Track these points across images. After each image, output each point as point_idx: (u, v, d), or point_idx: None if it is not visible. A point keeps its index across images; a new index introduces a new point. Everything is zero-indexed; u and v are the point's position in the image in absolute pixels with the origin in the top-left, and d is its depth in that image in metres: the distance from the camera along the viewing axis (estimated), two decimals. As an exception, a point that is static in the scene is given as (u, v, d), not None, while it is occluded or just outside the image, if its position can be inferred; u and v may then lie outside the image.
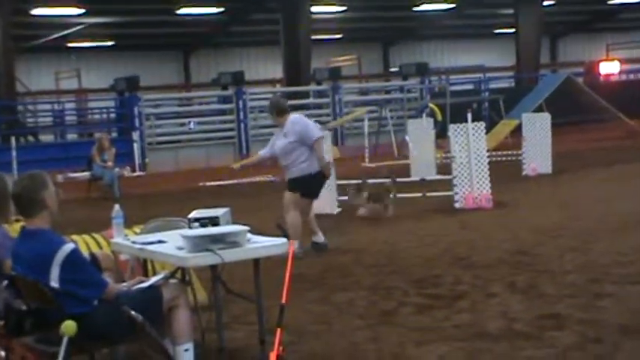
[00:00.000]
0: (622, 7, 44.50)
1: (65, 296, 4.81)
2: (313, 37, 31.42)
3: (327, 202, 12.95)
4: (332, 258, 9.37)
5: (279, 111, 9.67)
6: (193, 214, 5.98)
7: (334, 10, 37.20)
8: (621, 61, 39.94)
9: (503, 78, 38.57)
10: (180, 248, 5.39)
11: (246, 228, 5.47)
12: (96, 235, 6.89)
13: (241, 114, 26.86)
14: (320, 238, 9.90)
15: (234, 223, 5.95)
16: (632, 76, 39.85)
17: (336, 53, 37.79)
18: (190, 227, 5.86)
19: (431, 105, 25.99)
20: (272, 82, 37.53)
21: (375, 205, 12.52)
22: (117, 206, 6.16)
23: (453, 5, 39.23)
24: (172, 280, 5.49)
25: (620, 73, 39.94)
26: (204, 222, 5.86)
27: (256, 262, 5.54)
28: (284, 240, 5.52)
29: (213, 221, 5.87)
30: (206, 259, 5.23)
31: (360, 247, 9.95)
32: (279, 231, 5.67)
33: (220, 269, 5.35)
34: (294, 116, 9.75)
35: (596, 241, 9.18)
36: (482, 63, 41.50)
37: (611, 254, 8.40)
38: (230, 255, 5.25)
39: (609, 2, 43.00)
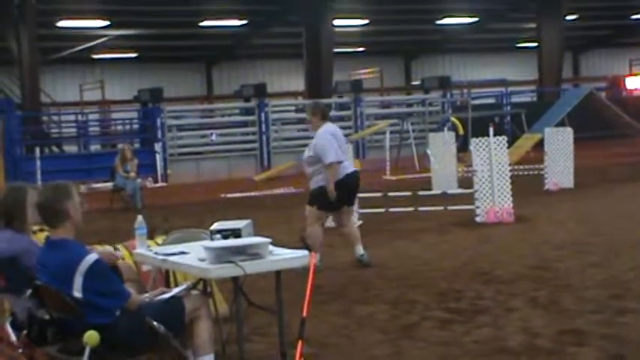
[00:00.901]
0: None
1: (88, 306, 4.84)
2: (335, 49, 31.51)
3: (348, 214, 12.96)
4: (353, 271, 9.37)
5: (323, 115, 9.62)
6: (215, 226, 6.00)
7: (357, 24, 37.28)
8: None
9: (526, 92, 38.46)
10: (202, 260, 5.43)
11: (268, 240, 5.49)
12: (118, 246, 6.94)
13: (263, 126, 26.96)
14: (359, 250, 9.74)
15: (256, 235, 5.97)
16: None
17: (358, 66, 37.84)
18: (212, 239, 5.89)
19: (452, 119, 26.00)
20: (294, 94, 37.66)
21: None
22: (140, 217, 6.20)
23: (475, 19, 39.25)
24: (194, 292, 5.52)
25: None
26: (226, 234, 5.89)
27: (278, 274, 5.55)
28: (306, 252, 5.54)
29: (235, 233, 5.89)
30: (228, 270, 5.26)
31: (382, 260, 9.93)
32: (302, 243, 5.69)
33: (242, 281, 5.38)
34: (322, 130, 9.51)
35: (618, 257, 9.13)
36: (504, 77, 41.37)
37: (633, 270, 8.36)
38: (252, 267, 5.28)
39: (632, 17, 42.83)
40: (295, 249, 5.65)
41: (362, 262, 9.66)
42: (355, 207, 13.07)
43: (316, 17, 29.41)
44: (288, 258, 5.50)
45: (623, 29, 46.42)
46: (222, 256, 5.29)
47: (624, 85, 39.15)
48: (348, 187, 9.54)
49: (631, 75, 42.05)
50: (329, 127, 9.57)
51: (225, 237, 5.85)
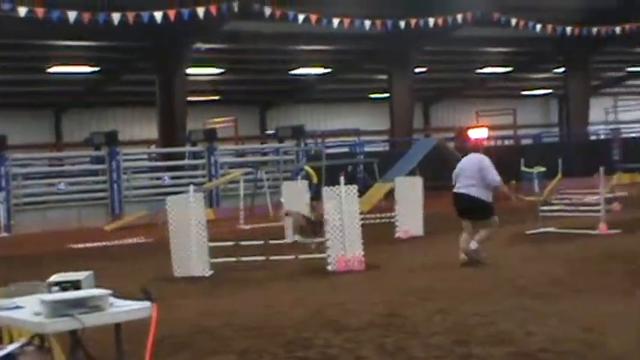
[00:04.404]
0: (489, 75, 46.39)
1: None
2: (190, 98, 31.42)
3: (198, 264, 12.80)
4: (202, 320, 9.20)
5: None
6: (54, 278, 5.75)
7: (211, 72, 37.31)
8: (489, 127, 41.37)
9: (378, 141, 39.35)
10: (38, 314, 5.17)
11: (108, 292, 5.29)
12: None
13: (114, 175, 26.40)
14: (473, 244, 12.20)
15: (99, 286, 5.75)
16: (499, 142, 41.32)
17: (213, 115, 37.81)
18: (50, 291, 5.63)
19: (306, 167, 26.22)
20: (147, 142, 37.16)
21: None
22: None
23: (328, 70, 39.98)
24: (30, 348, 5.25)
25: (488, 139, 41.35)
26: (65, 285, 5.64)
27: (118, 326, 5.35)
28: (147, 304, 5.37)
29: (75, 285, 5.65)
30: (65, 324, 5.02)
31: (232, 309, 9.81)
32: (143, 295, 5.51)
33: (81, 334, 5.15)
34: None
35: (463, 303, 9.32)
36: (357, 126, 42.25)
37: (477, 316, 8.54)
38: (91, 320, 5.06)
39: (477, 71, 44.71)
40: (137, 300, 5.47)
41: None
42: (206, 257, 12.95)
43: (169, 65, 29.26)
44: (128, 310, 5.31)
45: (470, 82, 48.38)
46: (59, 309, 5.05)
47: (468, 136, 40.60)
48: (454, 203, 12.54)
49: (474, 126, 43.71)
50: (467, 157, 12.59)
51: (64, 289, 5.60)
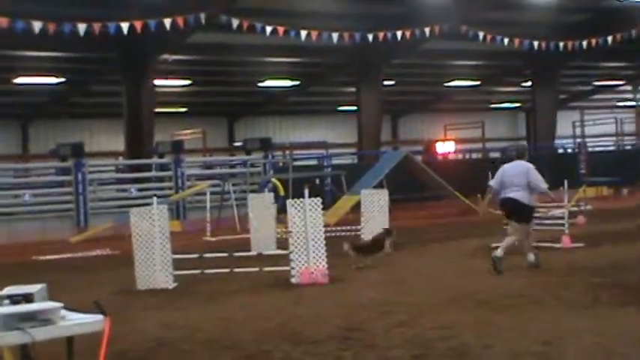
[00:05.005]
0: (457, 89, 46.67)
1: None
2: (157, 110, 31.29)
3: (161, 276, 12.72)
4: (162, 333, 9.12)
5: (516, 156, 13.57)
6: (5, 291, 5.67)
7: (178, 84, 37.21)
8: (457, 140, 41.64)
9: (346, 154, 39.38)
10: (-13, 327, 5.09)
11: (60, 305, 5.23)
12: None
13: (80, 186, 26.18)
14: (530, 257, 12.98)
15: (52, 299, 5.68)
16: (467, 155, 41.59)
17: (181, 126, 37.69)
18: (1, 304, 5.55)
19: (273, 180, 26.16)
20: (114, 154, 36.94)
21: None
22: None
23: (297, 82, 40.01)
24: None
25: (456, 152, 41.65)
26: (16, 299, 5.56)
27: (70, 340, 5.29)
28: (100, 317, 5.31)
29: (28, 298, 5.57)
30: (14, 338, 4.96)
31: (193, 322, 9.74)
32: (97, 308, 5.45)
33: (30, 348, 5.09)
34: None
35: (424, 316, 9.33)
36: (325, 139, 42.32)
37: (437, 329, 8.55)
38: (41, 333, 5.00)
39: (446, 84, 44.93)
40: (90, 313, 5.41)
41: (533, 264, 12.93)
42: (169, 269, 12.87)
43: (137, 77, 29.12)
44: (80, 323, 5.26)
45: (438, 95, 48.61)
46: (9, 322, 4.98)
47: (435, 149, 40.91)
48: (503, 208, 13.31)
49: (441, 140, 44.01)
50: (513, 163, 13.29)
51: (15, 302, 5.52)
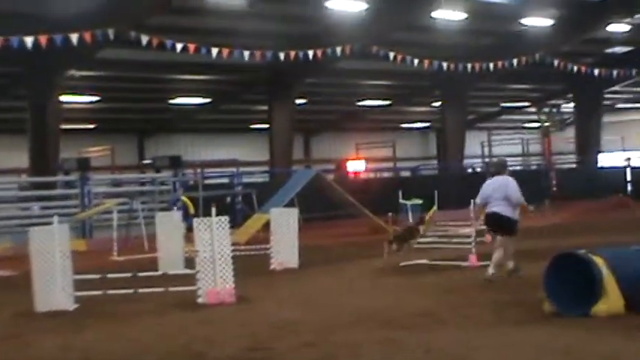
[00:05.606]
0: (369, 108, 47.05)
1: None
2: (64, 126, 30.60)
3: (61, 297, 12.31)
4: (59, 357, 8.82)
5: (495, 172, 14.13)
6: None
7: (86, 100, 36.52)
8: (368, 159, 41.92)
9: (258, 172, 39.21)
10: None
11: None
12: None
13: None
14: (490, 271, 13.30)
15: None
16: (377, 174, 41.91)
17: (90, 143, 36.95)
18: None
19: (183, 198, 25.83)
20: (17, 171, 35.86)
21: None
22: None
23: (208, 100, 39.73)
24: None
25: (367, 170, 41.93)
26: None
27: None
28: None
29: None
30: None
31: (94, 344, 9.44)
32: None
33: None
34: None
35: (333, 335, 9.23)
36: (237, 157, 42.08)
37: (346, 347, 8.46)
38: None
39: (357, 104, 45.25)
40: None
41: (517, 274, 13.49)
42: (70, 290, 12.46)
43: (42, 92, 28.43)
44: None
45: (350, 115, 48.88)
46: None
47: (346, 168, 41.13)
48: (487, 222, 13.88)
49: (352, 159, 44.28)
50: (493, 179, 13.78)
51: None
